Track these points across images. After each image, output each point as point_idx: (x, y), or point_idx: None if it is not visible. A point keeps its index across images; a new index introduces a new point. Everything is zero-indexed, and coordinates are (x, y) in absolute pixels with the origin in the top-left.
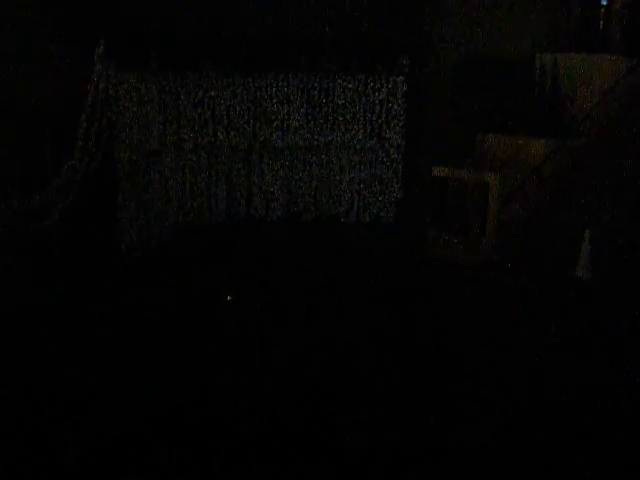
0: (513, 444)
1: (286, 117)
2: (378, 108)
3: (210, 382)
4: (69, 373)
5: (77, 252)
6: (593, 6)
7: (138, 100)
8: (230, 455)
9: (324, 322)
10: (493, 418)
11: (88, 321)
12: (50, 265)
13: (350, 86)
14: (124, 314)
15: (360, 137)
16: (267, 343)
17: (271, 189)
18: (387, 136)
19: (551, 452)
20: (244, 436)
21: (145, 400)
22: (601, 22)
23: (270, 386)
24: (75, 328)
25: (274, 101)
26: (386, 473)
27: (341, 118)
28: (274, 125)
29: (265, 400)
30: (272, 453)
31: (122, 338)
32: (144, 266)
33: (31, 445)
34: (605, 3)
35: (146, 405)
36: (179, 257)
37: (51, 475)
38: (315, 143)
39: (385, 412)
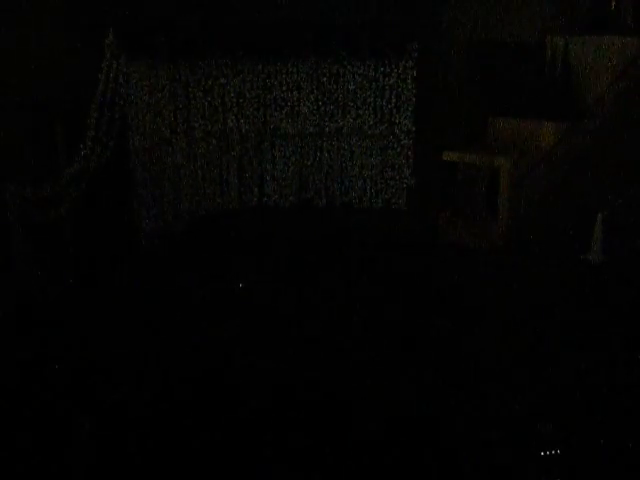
0: (519, 435)
1: (296, 103)
2: (388, 93)
3: (223, 365)
4: (85, 359)
5: (91, 241)
6: None
7: (148, 88)
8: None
9: (335, 306)
10: (504, 406)
11: (105, 309)
12: (63, 254)
13: (360, 72)
14: (143, 301)
15: (370, 123)
16: (279, 326)
17: (282, 176)
18: (397, 121)
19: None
20: (257, 417)
21: (162, 381)
22: (613, 3)
23: (284, 369)
24: (91, 317)
25: (284, 88)
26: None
27: (351, 104)
28: (284, 112)
29: (278, 382)
30: (284, 437)
31: (141, 324)
32: (160, 254)
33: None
34: None
35: (163, 385)
36: (193, 244)
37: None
38: (326, 129)
39: (396, 396)
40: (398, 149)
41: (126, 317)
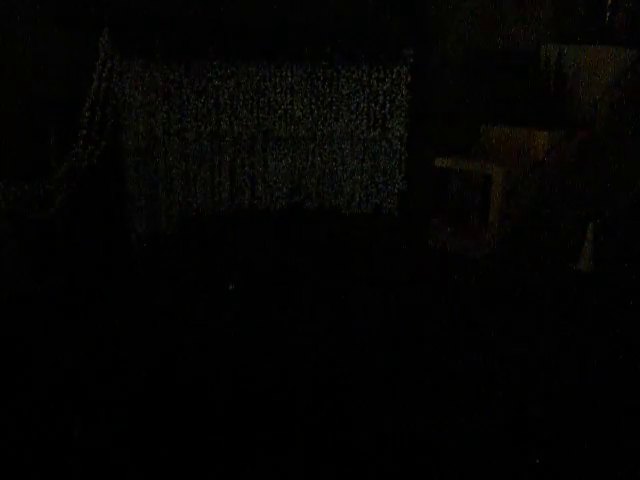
0: (512, 441)
1: (289, 107)
2: (382, 98)
3: (215, 370)
4: (70, 361)
5: (81, 241)
6: None
7: (142, 88)
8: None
9: (325, 311)
10: (493, 413)
11: (91, 311)
12: (53, 254)
13: (354, 76)
14: (133, 301)
15: (363, 128)
16: (269, 331)
17: (274, 179)
18: (390, 127)
19: (550, 447)
20: (249, 424)
21: (151, 383)
22: (607, 14)
23: (274, 375)
24: (76, 318)
25: (278, 90)
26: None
27: (344, 108)
28: (277, 115)
29: (270, 389)
30: (279, 441)
31: (129, 324)
32: (151, 255)
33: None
34: None
35: (153, 387)
36: (184, 245)
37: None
38: (318, 133)
39: (387, 402)
40: (391, 154)
41: (115, 317)
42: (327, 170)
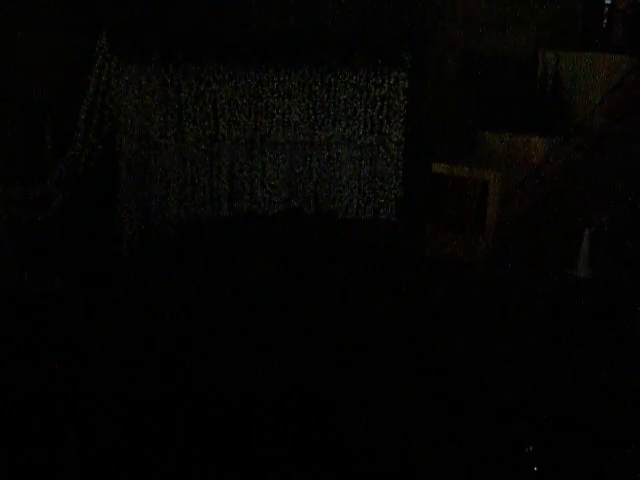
0: (507, 446)
1: (287, 111)
2: (379, 104)
3: (210, 376)
4: (66, 364)
5: (76, 244)
6: (597, 4)
7: (139, 92)
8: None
9: (322, 317)
10: (490, 417)
11: (86, 313)
12: (49, 257)
13: (351, 81)
14: (124, 306)
15: (361, 133)
16: (265, 337)
17: (272, 183)
18: (388, 132)
19: (547, 450)
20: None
21: (146, 387)
22: (605, 21)
23: (268, 381)
24: (72, 320)
25: (275, 95)
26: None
27: (342, 113)
28: (275, 119)
29: (262, 396)
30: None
31: (121, 330)
32: (145, 259)
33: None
34: (609, 2)
35: (147, 392)
36: (180, 250)
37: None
38: (316, 138)
39: (383, 409)
40: (388, 159)
41: (109, 320)
42: (325, 175)
